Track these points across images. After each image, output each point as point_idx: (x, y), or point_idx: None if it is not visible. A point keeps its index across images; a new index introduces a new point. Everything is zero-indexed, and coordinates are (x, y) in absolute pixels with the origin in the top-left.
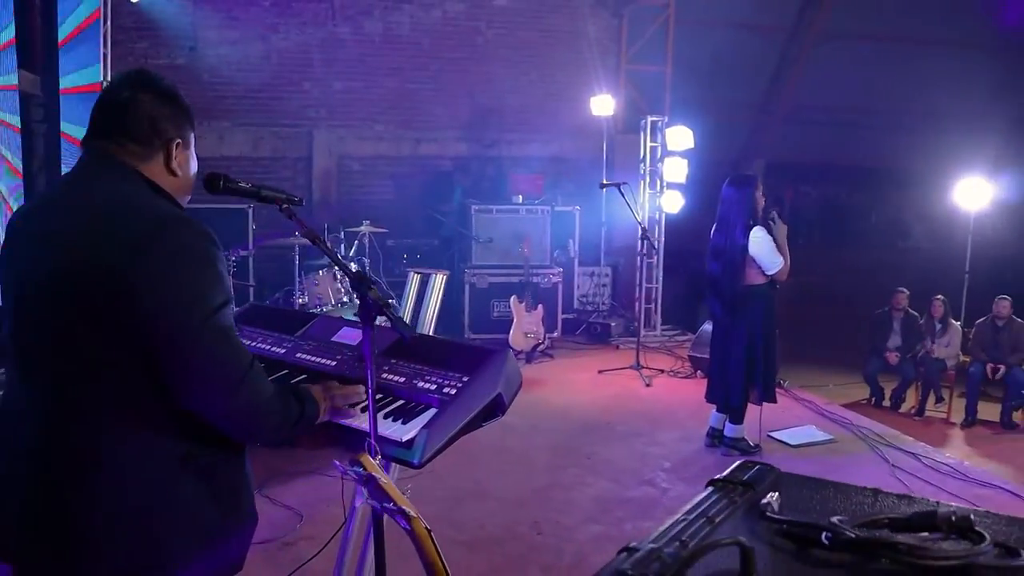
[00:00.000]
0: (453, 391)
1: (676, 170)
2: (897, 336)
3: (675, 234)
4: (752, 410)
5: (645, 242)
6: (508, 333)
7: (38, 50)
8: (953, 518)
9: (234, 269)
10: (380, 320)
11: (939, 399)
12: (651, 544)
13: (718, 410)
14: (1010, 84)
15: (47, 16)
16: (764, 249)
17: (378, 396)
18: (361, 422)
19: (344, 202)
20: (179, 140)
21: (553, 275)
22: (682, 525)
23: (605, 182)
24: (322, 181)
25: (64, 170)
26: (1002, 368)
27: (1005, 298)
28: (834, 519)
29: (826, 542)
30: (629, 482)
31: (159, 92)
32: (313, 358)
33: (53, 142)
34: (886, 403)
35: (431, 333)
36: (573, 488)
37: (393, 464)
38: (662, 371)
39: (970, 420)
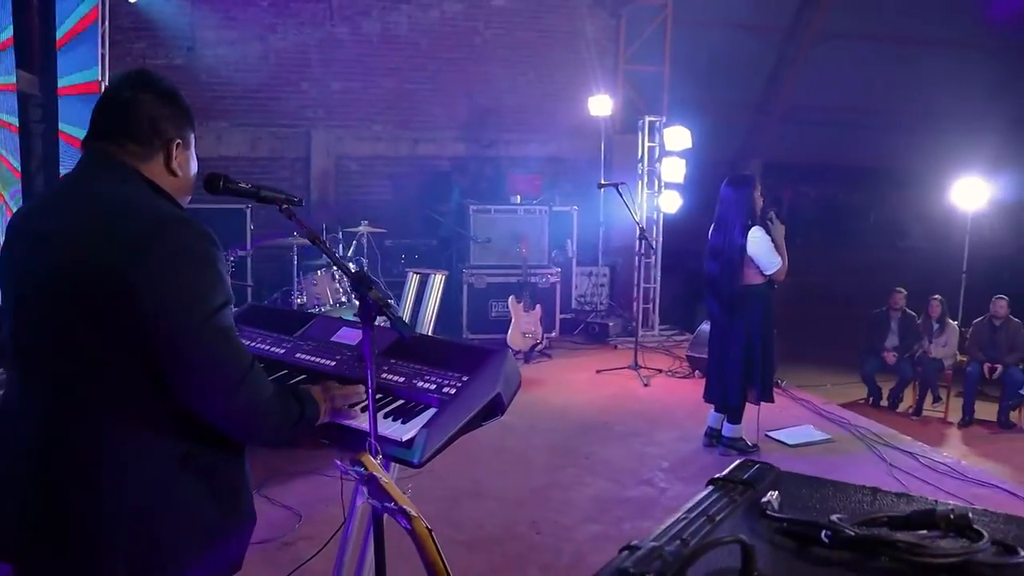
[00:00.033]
0: (452, 391)
1: (674, 170)
2: (895, 336)
3: (673, 234)
4: (750, 410)
5: (643, 242)
6: (506, 333)
7: (36, 50)
8: (951, 516)
9: (232, 269)
10: (380, 320)
11: (936, 399)
12: (652, 542)
13: (716, 410)
14: (1008, 84)
15: (45, 16)
16: (762, 249)
17: (378, 396)
18: (361, 422)
19: (342, 202)
20: (179, 140)
21: (551, 275)
22: (683, 523)
23: (603, 182)
24: (320, 181)
25: (63, 171)
26: (999, 368)
27: (1002, 298)
28: (834, 517)
29: (826, 540)
30: (627, 482)
31: (160, 92)
32: (312, 358)
33: (51, 142)
34: (884, 403)
35: (430, 333)
36: (571, 488)
37: (393, 464)
38: (660, 371)
39: (967, 419)
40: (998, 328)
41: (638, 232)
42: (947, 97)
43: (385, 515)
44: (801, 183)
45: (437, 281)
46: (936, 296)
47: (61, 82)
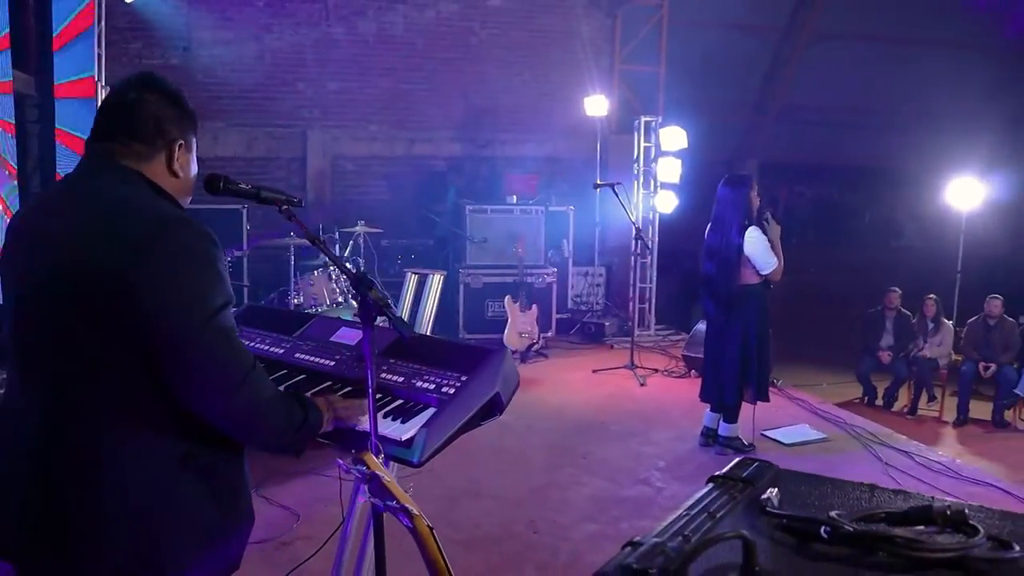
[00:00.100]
0: (452, 390)
1: (670, 170)
2: (890, 335)
3: (669, 234)
4: (746, 409)
5: (639, 242)
6: (503, 333)
7: (32, 50)
8: (948, 512)
9: (229, 269)
10: (379, 320)
11: (931, 398)
12: (655, 538)
13: (712, 409)
14: (1005, 84)
15: (41, 16)
16: (759, 249)
17: (377, 396)
18: (361, 422)
19: (338, 202)
20: (182, 142)
21: (547, 275)
22: (684, 520)
23: (599, 182)
24: (316, 181)
25: (60, 171)
26: (993, 367)
27: (996, 297)
28: (832, 514)
29: (825, 536)
30: (624, 481)
31: (165, 93)
32: (312, 358)
33: (48, 143)
34: (879, 402)
35: (428, 333)
36: (569, 487)
37: (392, 463)
38: (656, 371)
39: (962, 419)
40: (992, 328)
41: (634, 232)
42: (942, 97)
43: (384, 513)
44: (797, 183)
45: (435, 281)
46: (931, 296)
47: (57, 83)
